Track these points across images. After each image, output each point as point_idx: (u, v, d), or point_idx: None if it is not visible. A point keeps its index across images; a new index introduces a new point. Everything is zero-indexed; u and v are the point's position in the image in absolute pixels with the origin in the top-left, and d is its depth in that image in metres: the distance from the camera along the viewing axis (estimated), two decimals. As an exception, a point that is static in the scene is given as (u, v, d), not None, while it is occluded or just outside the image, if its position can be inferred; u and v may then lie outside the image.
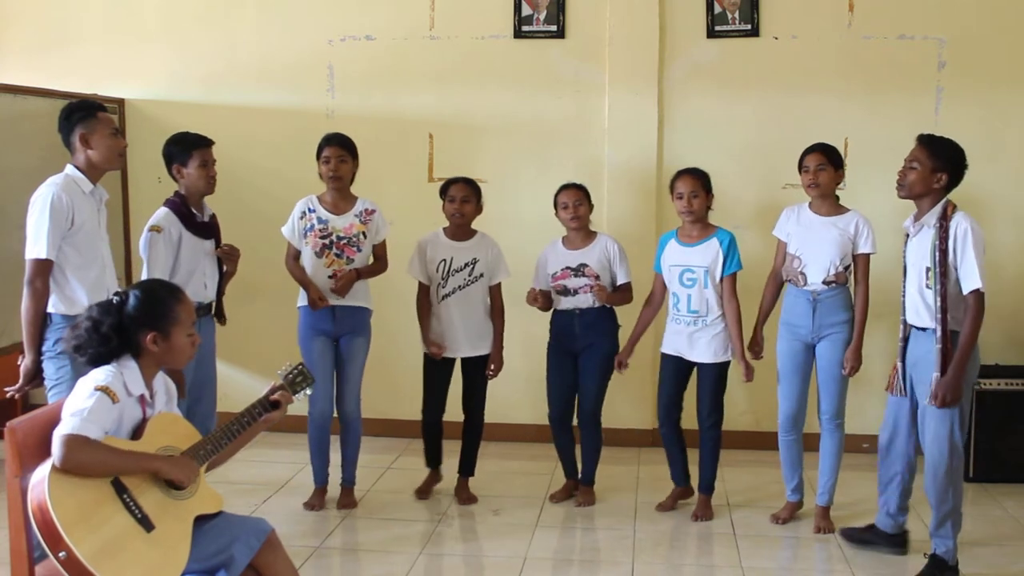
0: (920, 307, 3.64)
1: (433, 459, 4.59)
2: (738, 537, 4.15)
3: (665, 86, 5.22)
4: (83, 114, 3.54)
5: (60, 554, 2.32)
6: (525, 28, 5.27)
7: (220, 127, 5.40)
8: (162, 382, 2.79)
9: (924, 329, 3.64)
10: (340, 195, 4.34)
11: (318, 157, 4.32)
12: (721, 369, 4.29)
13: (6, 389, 3.54)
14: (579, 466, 4.59)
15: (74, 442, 2.39)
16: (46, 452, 2.43)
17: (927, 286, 3.60)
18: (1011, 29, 5.04)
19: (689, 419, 4.45)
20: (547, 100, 5.30)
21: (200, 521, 2.63)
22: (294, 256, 4.36)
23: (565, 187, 4.49)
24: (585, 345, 4.43)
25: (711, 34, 5.18)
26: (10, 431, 2.50)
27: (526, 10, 5.26)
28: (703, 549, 4.08)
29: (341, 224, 4.31)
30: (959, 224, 3.54)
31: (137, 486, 2.51)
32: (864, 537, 3.99)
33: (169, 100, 5.53)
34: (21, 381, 3.48)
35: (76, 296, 3.47)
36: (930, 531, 3.73)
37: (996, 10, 5.04)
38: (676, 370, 4.35)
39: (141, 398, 2.65)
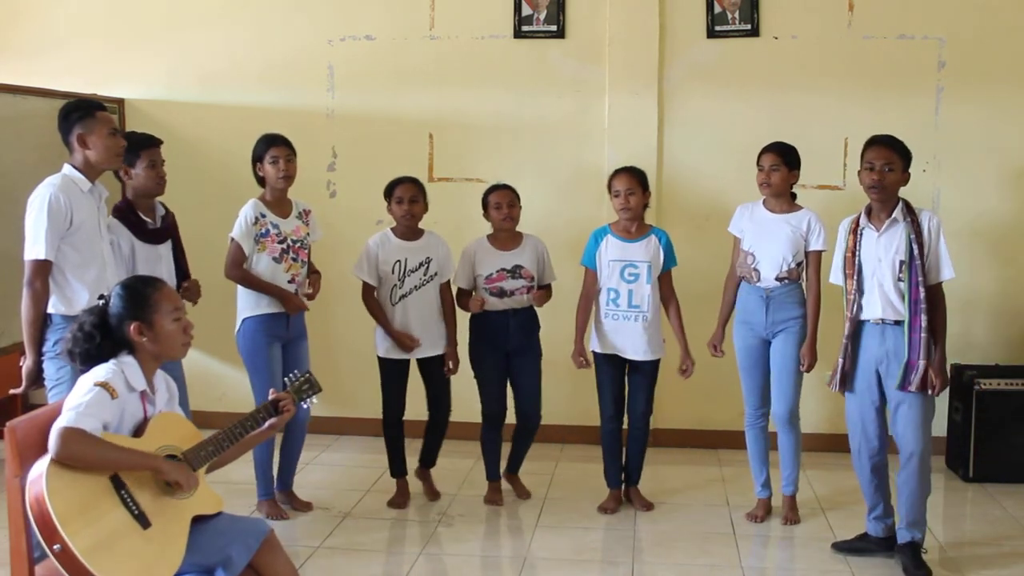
0: (897, 301, 3.68)
1: (398, 468, 4.53)
2: (738, 537, 4.15)
3: (665, 86, 5.22)
4: (81, 114, 3.52)
5: (55, 547, 2.33)
6: (525, 28, 5.27)
7: (220, 127, 5.44)
8: (163, 381, 2.81)
9: (899, 323, 3.68)
10: (283, 196, 4.28)
11: (259, 160, 4.22)
12: (657, 366, 4.36)
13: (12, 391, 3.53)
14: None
15: (69, 434, 2.41)
16: (46, 452, 2.44)
17: (900, 279, 3.67)
18: (1011, 29, 5.04)
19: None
20: (547, 100, 5.30)
21: (199, 521, 2.63)
22: (240, 262, 4.14)
23: (497, 188, 4.46)
24: (518, 345, 4.44)
25: (711, 34, 5.18)
26: (10, 431, 2.51)
27: (526, 10, 5.26)
28: (703, 549, 4.07)
29: (289, 228, 4.24)
30: (931, 219, 3.70)
31: (136, 482, 2.52)
32: (857, 546, 3.96)
33: (169, 100, 5.52)
34: (24, 383, 3.48)
35: (76, 296, 3.46)
36: (907, 521, 3.75)
37: (996, 10, 5.04)
38: (617, 369, 4.38)
39: (142, 394, 2.67)
